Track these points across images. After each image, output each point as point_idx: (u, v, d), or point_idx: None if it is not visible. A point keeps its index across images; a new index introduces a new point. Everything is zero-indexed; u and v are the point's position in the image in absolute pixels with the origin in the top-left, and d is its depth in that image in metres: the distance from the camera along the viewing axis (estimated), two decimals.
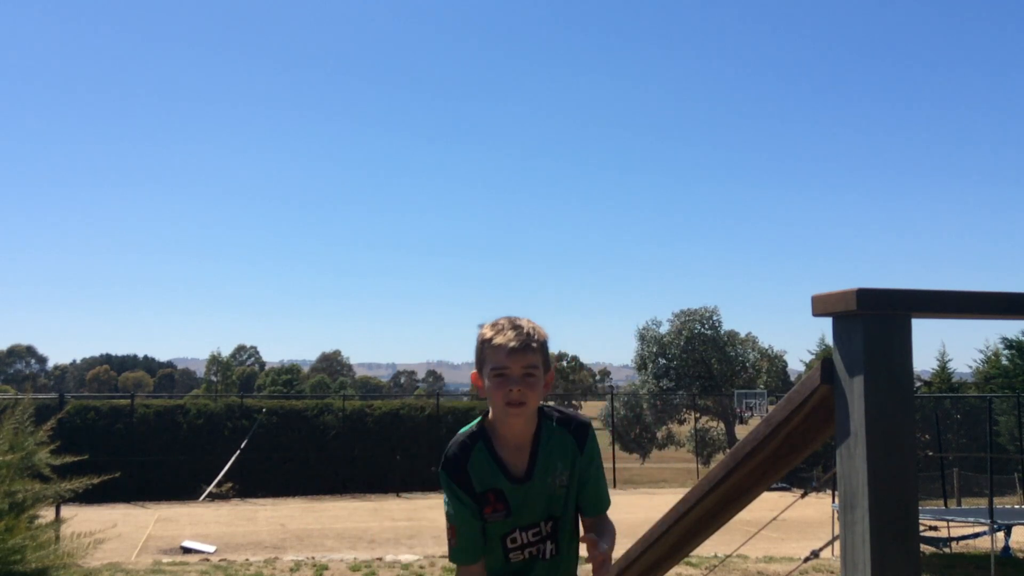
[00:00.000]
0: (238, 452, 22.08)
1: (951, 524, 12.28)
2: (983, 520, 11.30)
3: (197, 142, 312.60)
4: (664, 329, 35.78)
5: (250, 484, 21.67)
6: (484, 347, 2.15)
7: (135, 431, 22.04)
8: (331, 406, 24.74)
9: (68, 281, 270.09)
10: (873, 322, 1.65)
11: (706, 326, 35.02)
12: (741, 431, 32.37)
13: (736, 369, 34.87)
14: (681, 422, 34.90)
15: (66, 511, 8.17)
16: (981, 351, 28.40)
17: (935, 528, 12.25)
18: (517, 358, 2.09)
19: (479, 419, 2.25)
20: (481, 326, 2.22)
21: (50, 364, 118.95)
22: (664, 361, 35.00)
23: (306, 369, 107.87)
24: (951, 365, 28.45)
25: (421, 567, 10.37)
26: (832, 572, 10.42)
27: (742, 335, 36.21)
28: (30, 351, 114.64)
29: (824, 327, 38.17)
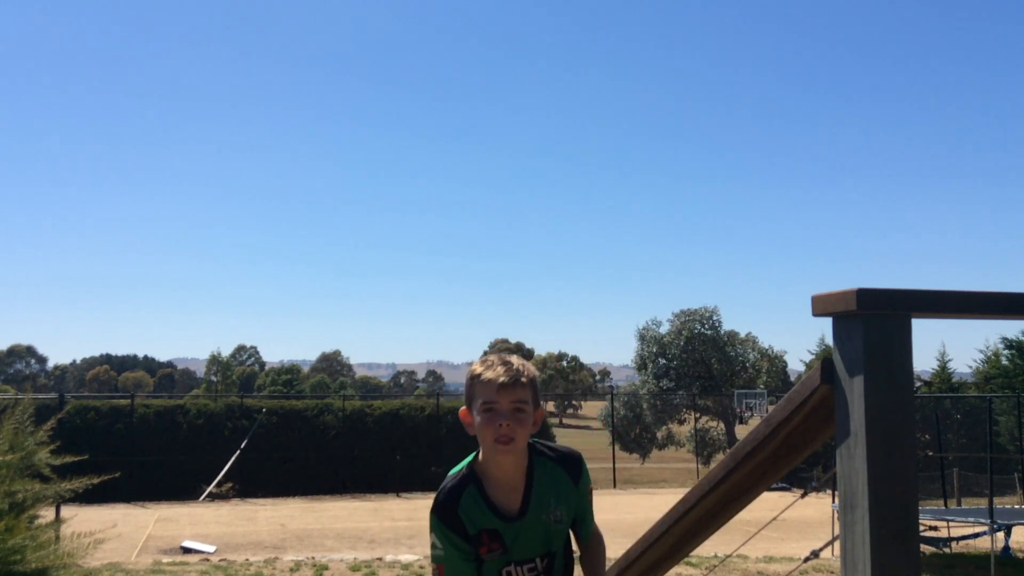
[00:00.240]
0: (238, 452, 22.08)
1: (951, 524, 12.28)
2: (983, 520, 11.30)
3: (197, 142, 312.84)
4: (664, 329, 35.82)
5: (250, 484, 21.68)
6: (474, 383, 2.15)
7: (135, 431, 22.04)
8: (331, 406, 24.75)
9: (68, 281, 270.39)
10: (873, 322, 1.65)
11: (706, 326, 35.04)
12: (741, 431, 32.38)
13: (736, 369, 34.90)
14: (681, 422, 34.92)
15: (66, 511, 8.18)
16: (981, 351, 28.45)
17: (935, 528, 12.25)
18: (507, 393, 2.09)
19: (469, 459, 2.24)
20: (471, 364, 2.23)
21: (50, 364, 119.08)
22: (664, 361, 35.02)
23: (306, 369, 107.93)
24: (951, 365, 28.49)
25: (421, 567, 10.37)
26: (832, 572, 10.43)
27: (742, 335, 36.26)
28: (30, 351, 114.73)
29: (824, 327, 38.20)
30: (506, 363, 2.15)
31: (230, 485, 21.26)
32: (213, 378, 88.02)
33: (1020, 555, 12.27)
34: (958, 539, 11.75)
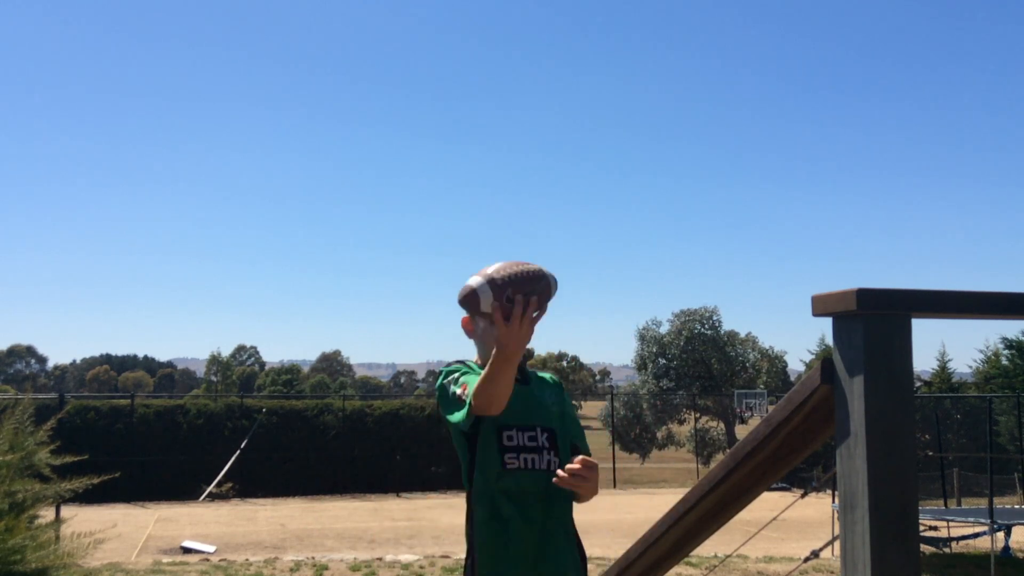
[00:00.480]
0: (238, 452, 22.08)
1: (951, 524, 12.28)
2: (983, 520, 11.29)
3: (197, 142, 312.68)
4: (664, 329, 35.80)
5: (250, 484, 21.68)
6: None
7: (135, 431, 22.04)
8: (331, 406, 24.74)
9: (68, 281, 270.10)
10: (873, 322, 1.65)
11: (706, 326, 35.03)
12: (741, 431, 32.38)
13: (736, 369, 34.88)
14: (681, 422, 34.90)
15: (66, 511, 8.18)
16: (981, 351, 28.43)
17: (935, 528, 12.25)
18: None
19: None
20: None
21: (50, 364, 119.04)
22: (664, 361, 35.00)
23: (306, 369, 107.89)
24: (951, 365, 28.47)
25: (421, 567, 10.36)
26: (832, 572, 10.42)
27: (742, 335, 36.23)
28: (30, 351, 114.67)
29: (824, 327, 38.19)
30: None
31: (230, 485, 21.25)
32: (213, 378, 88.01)
33: (1020, 555, 12.26)
34: (958, 539, 11.75)
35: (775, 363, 35.63)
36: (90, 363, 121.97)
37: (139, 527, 15.11)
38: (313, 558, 11.18)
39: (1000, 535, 11.62)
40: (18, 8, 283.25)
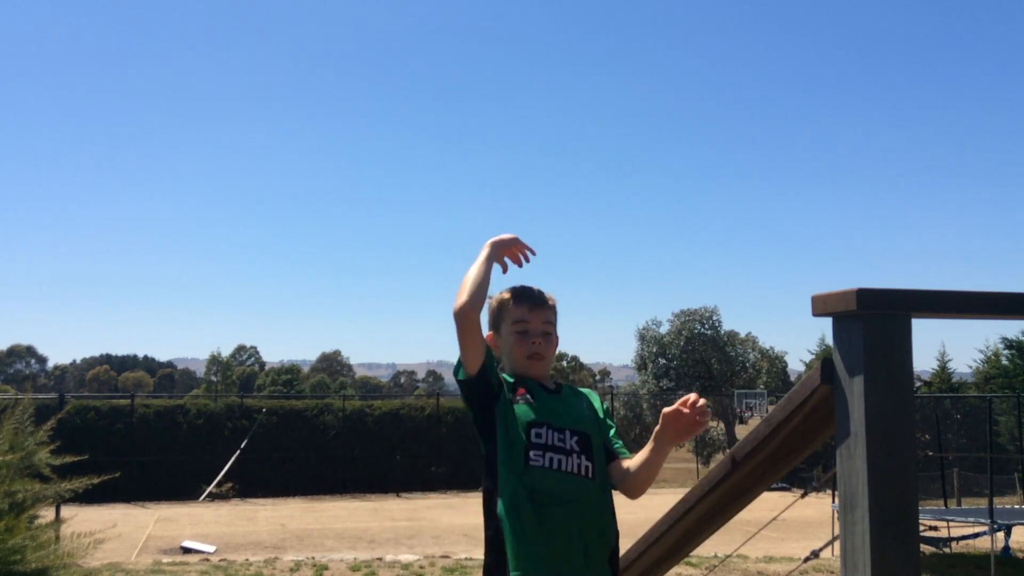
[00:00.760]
0: (238, 452, 22.08)
1: (951, 524, 12.28)
2: (983, 520, 11.29)
3: (197, 142, 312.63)
4: (664, 329, 35.80)
5: (250, 484, 21.68)
6: (503, 305, 2.34)
7: (135, 431, 22.04)
8: (331, 406, 24.75)
9: (68, 281, 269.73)
10: (873, 322, 1.65)
11: (706, 326, 35.02)
12: (741, 431, 32.37)
13: (736, 369, 34.88)
14: None
15: (66, 511, 8.17)
16: (981, 351, 28.45)
17: (935, 528, 12.24)
18: (537, 313, 2.30)
19: None
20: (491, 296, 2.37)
21: (50, 364, 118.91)
22: (664, 361, 35.00)
23: (306, 369, 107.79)
24: (951, 365, 28.50)
25: (421, 567, 10.36)
26: (832, 572, 10.42)
27: (742, 335, 36.22)
28: (30, 351, 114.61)
29: (824, 327, 38.21)
30: (532, 288, 2.38)
31: (230, 485, 21.25)
32: (213, 378, 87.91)
33: (1020, 555, 12.26)
34: (958, 539, 11.75)
35: (775, 363, 35.64)
36: (90, 363, 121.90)
37: (139, 527, 15.11)
38: (313, 558, 11.18)
39: (1000, 535, 11.62)
40: (18, 8, 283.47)
